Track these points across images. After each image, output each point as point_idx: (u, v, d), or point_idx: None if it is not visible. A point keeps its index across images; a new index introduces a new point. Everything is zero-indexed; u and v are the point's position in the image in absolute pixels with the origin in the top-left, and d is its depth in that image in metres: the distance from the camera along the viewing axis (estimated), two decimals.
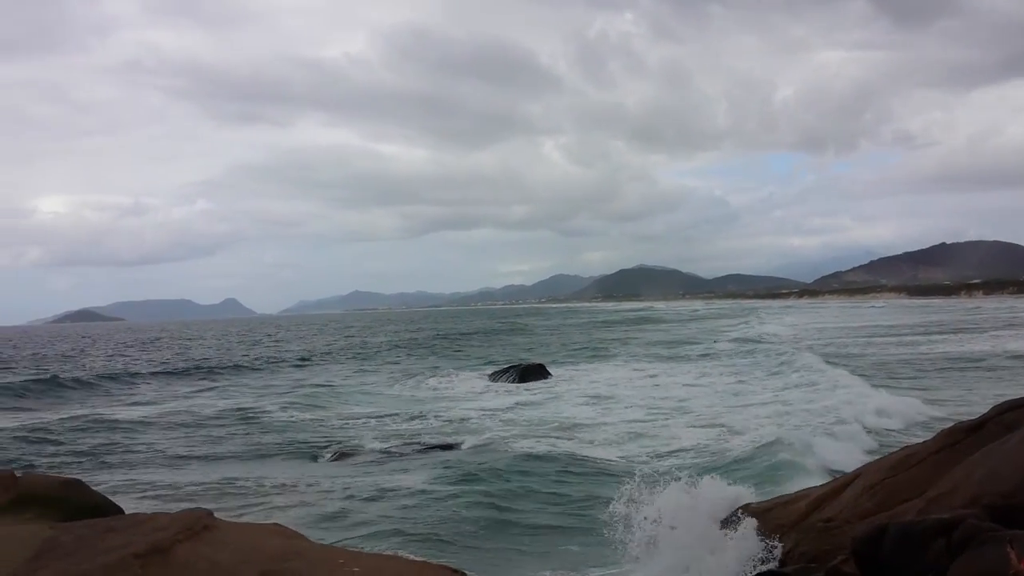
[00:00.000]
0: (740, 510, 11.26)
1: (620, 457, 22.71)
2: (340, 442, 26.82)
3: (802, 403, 29.83)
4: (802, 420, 25.77)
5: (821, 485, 11.66)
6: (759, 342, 65.49)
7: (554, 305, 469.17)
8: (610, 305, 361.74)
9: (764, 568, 9.52)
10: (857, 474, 10.97)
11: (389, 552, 10.67)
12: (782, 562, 9.60)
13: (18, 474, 12.09)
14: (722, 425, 26.59)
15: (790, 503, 11.17)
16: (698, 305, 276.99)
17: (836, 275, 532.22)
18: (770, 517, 10.74)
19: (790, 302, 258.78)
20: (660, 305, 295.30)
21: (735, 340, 70.75)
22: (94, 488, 11.57)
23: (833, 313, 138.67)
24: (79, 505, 10.30)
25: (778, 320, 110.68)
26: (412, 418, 32.12)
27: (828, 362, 43.58)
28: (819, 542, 9.60)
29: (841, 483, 10.97)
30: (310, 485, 20.59)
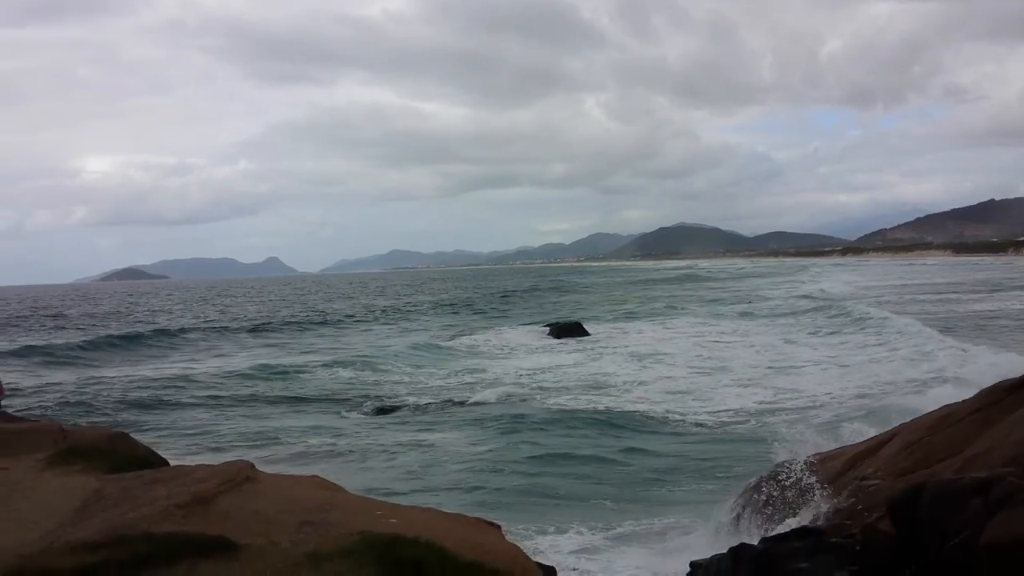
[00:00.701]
0: (777, 466, 11.28)
1: (662, 412, 22.83)
2: (380, 397, 27.23)
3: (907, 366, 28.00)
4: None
5: (857, 443, 11.60)
6: (833, 300, 62.01)
7: (594, 263, 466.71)
8: (651, 263, 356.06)
9: (796, 524, 9.52)
10: (895, 432, 10.90)
11: (426, 505, 10.83)
12: (815, 519, 9.59)
13: (66, 427, 12.46)
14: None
15: (827, 460, 11.14)
16: (741, 263, 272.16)
17: (880, 232, 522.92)
18: None
19: (834, 259, 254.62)
20: (704, 263, 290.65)
21: (801, 297, 68.32)
22: (139, 440, 11.84)
23: (885, 270, 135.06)
24: (125, 457, 10.57)
25: (832, 277, 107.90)
26: (451, 374, 32.44)
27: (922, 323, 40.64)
28: (855, 500, 9.56)
29: (878, 441, 10.90)
30: (350, 438, 20.96)
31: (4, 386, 10.96)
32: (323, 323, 66.14)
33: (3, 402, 10.95)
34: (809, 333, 42.23)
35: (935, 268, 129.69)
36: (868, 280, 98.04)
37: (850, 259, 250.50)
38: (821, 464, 10.98)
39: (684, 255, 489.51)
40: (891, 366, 28.23)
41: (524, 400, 25.55)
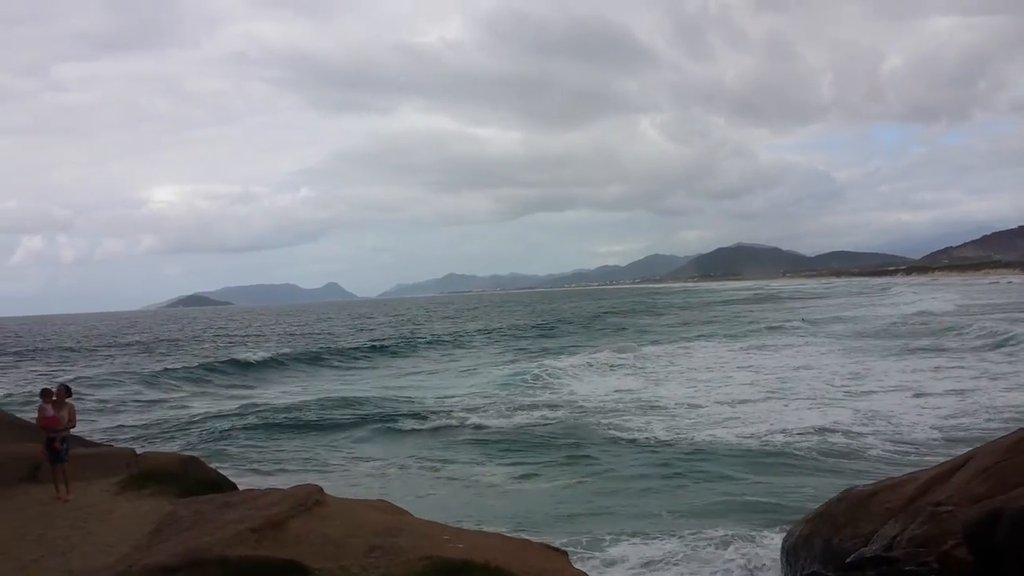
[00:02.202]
0: (844, 492, 11.06)
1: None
2: (447, 422, 27.11)
3: None
4: None
5: (929, 468, 11.30)
6: (949, 316, 59.35)
7: (657, 285, 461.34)
8: (715, 284, 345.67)
9: (870, 552, 9.31)
10: (968, 457, 10.59)
11: (491, 530, 10.85)
12: (889, 546, 9.36)
13: (139, 451, 12.79)
14: None
15: (897, 486, 10.87)
16: (810, 283, 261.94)
17: (946, 251, 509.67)
18: (876, 501, 10.48)
19: (899, 278, 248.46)
20: (774, 284, 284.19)
21: (909, 315, 65.89)
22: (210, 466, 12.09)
23: (967, 288, 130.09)
24: (196, 481, 10.82)
25: (925, 295, 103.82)
26: (511, 398, 32.14)
27: None
28: (928, 526, 9.30)
29: (950, 466, 10.61)
30: (414, 461, 21.06)
31: (76, 414, 11.26)
32: (380, 351, 65.41)
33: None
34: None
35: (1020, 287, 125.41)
36: (964, 299, 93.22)
37: (915, 278, 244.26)
38: (892, 489, 10.73)
39: (744, 276, 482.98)
40: None
41: (580, 423, 25.38)
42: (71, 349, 78.28)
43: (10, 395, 35.21)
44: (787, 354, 44.42)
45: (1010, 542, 7.32)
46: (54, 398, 10.91)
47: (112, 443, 19.31)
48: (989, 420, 23.08)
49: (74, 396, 11.64)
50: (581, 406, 28.96)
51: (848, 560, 9.23)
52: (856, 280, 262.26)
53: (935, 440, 21.10)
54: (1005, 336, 43.37)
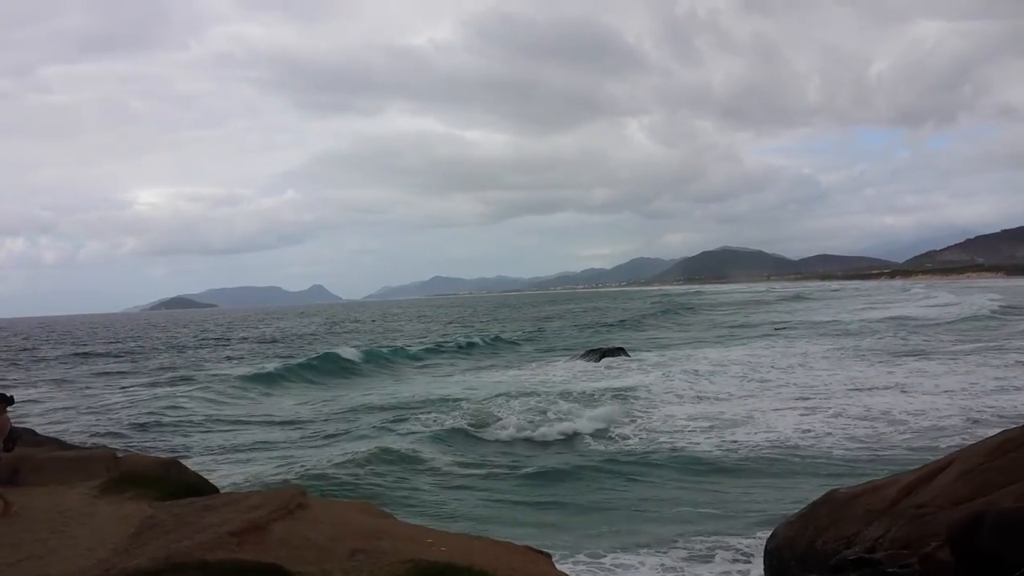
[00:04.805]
0: (828, 494, 11.07)
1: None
2: (431, 425, 26.93)
3: None
4: None
5: (912, 470, 11.33)
6: None
7: (646, 288, 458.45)
8: (718, 287, 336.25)
9: (852, 554, 9.32)
10: (951, 459, 10.63)
11: (475, 534, 10.80)
12: (872, 548, 9.38)
13: (119, 454, 12.67)
14: None
15: (881, 488, 10.89)
16: (792, 286, 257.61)
17: (929, 254, 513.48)
18: (859, 503, 10.50)
19: (880, 282, 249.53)
20: (760, 287, 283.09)
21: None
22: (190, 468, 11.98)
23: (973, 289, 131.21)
24: (177, 484, 10.73)
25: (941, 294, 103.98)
26: (499, 403, 31.82)
27: None
28: (911, 528, 9.34)
29: (933, 468, 10.64)
30: (401, 465, 20.95)
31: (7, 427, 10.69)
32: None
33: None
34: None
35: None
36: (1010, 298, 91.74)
37: (899, 281, 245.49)
38: (875, 492, 10.75)
39: (729, 279, 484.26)
40: None
41: (566, 436, 25.33)
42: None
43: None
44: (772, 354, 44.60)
45: (992, 544, 7.36)
46: None
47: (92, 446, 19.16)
48: (973, 422, 23.25)
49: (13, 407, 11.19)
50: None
51: (831, 562, 9.24)
52: (837, 283, 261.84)
53: (921, 441, 21.25)
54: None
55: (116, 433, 27.20)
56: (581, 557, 12.95)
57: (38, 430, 19.20)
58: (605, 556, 13.14)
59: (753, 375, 36.04)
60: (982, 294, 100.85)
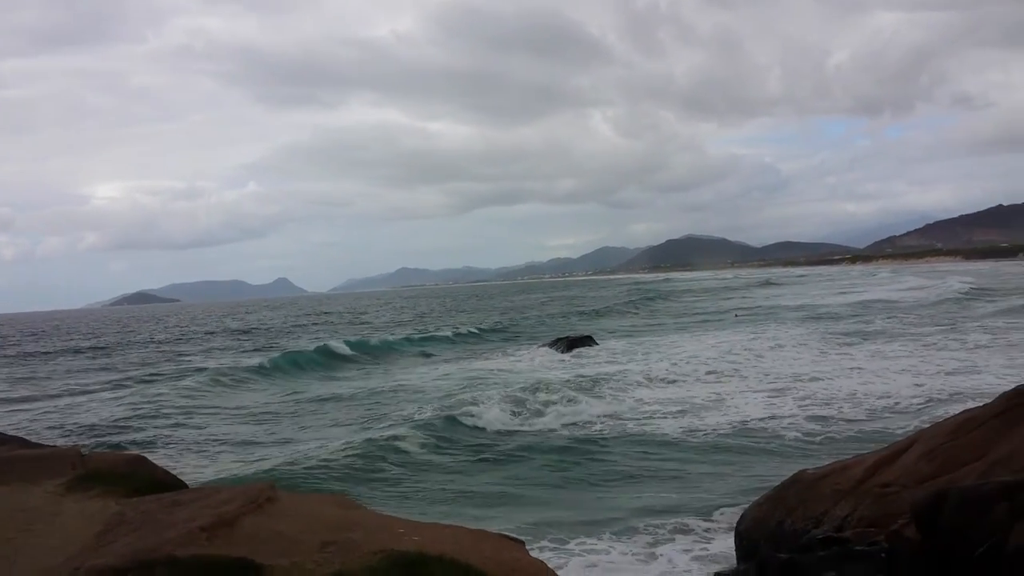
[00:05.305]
0: (796, 475, 11.22)
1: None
2: (405, 418, 26.75)
3: None
4: None
5: (877, 450, 11.52)
6: None
7: (613, 276, 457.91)
8: (686, 275, 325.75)
9: (821, 533, 9.46)
10: (914, 439, 10.82)
11: (448, 522, 10.81)
12: (840, 527, 9.53)
13: (84, 451, 12.48)
14: None
15: (847, 468, 11.05)
16: (758, 272, 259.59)
17: (890, 240, 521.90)
18: (827, 483, 10.66)
19: (842, 268, 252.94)
20: (726, 274, 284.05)
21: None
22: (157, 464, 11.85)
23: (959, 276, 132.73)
24: (144, 480, 10.58)
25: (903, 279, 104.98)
26: (471, 393, 31.66)
27: None
28: (877, 507, 9.49)
29: (898, 448, 10.82)
30: (376, 458, 20.88)
31: None
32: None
33: None
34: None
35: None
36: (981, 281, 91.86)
37: (860, 267, 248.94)
38: (842, 472, 10.91)
39: (694, 267, 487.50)
40: None
41: (538, 427, 25.41)
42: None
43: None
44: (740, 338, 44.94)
45: (955, 522, 7.50)
46: None
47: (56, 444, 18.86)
48: (930, 402, 23.68)
49: None
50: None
51: (800, 541, 9.36)
52: (799, 269, 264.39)
53: (885, 421, 21.61)
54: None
55: (85, 430, 26.87)
56: (545, 543, 13.01)
57: (1, 429, 18.86)
58: (569, 541, 13.23)
59: (723, 360, 36.20)
60: (956, 277, 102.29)
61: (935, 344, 37.21)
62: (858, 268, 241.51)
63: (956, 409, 14.33)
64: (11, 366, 58.15)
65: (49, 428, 27.59)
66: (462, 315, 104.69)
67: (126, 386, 40.23)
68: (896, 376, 28.54)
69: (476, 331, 68.29)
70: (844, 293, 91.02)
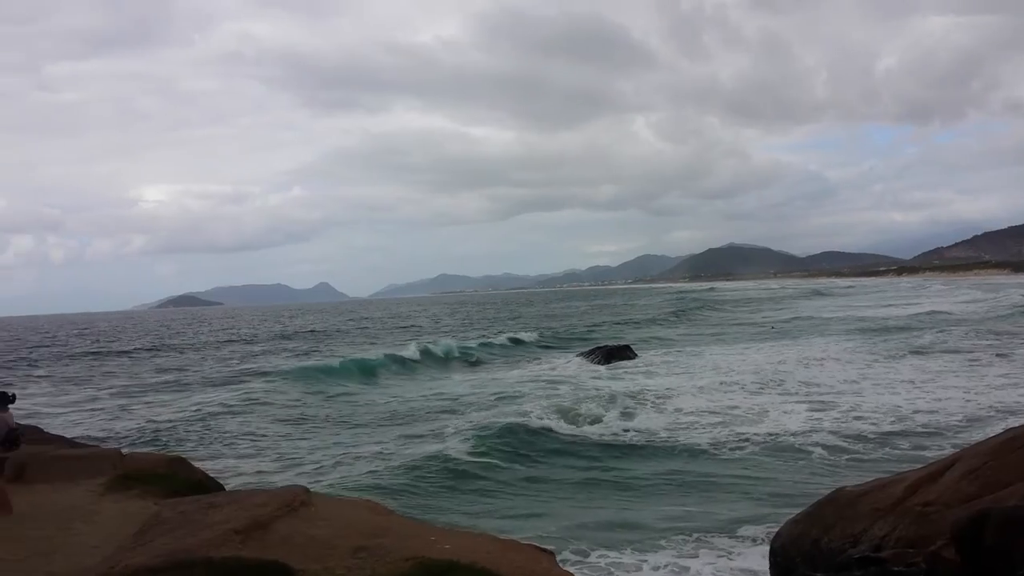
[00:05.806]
0: (834, 492, 11.04)
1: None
2: (444, 428, 26.71)
3: None
4: None
5: (918, 468, 11.30)
6: None
7: (654, 285, 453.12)
8: (729, 284, 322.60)
9: (858, 553, 9.30)
10: (956, 458, 10.60)
11: (480, 532, 10.82)
12: (878, 547, 9.36)
13: (124, 452, 12.70)
14: None
15: (887, 486, 10.86)
16: (807, 284, 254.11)
17: (937, 251, 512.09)
18: (865, 501, 10.48)
19: (888, 279, 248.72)
20: (772, 284, 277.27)
21: None
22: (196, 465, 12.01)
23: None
24: (182, 482, 10.74)
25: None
26: (501, 404, 31.76)
27: None
28: (917, 527, 9.31)
29: (939, 467, 10.61)
30: (397, 460, 20.95)
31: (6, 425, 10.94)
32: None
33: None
34: None
35: None
36: None
37: (906, 278, 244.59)
38: (881, 490, 10.73)
39: (735, 276, 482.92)
40: None
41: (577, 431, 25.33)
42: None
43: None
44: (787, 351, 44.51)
45: (997, 543, 7.33)
46: None
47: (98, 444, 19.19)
48: (975, 420, 23.19)
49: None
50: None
51: (837, 561, 9.22)
52: (842, 281, 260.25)
53: (922, 440, 21.21)
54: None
55: (132, 432, 27.20)
56: (568, 554, 12.91)
57: (48, 428, 19.25)
58: (590, 553, 13.15)
59: (768, 372, 35.75)
60: (1014, 290, 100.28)
61: (982, 360, 36.46)
62: (905, 280, 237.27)
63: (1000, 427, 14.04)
64: (65, 365, 59.40)
65: (98, 430, 28.01)
66: (504, 323, 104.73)
67: (176, 389, 40.75)
68: (944, 392, 28.01)
69: (518, 339, 68.19)
70: (891, 305, 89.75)
